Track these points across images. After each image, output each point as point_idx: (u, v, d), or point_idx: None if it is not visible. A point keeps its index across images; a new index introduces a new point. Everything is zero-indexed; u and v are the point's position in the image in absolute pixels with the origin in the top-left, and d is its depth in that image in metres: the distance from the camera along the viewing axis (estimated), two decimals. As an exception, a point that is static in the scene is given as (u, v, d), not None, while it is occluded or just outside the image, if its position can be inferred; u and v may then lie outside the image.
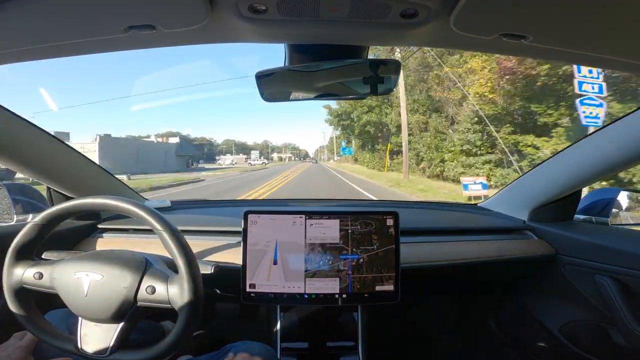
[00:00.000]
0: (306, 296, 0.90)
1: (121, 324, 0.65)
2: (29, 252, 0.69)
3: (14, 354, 0.66)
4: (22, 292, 0.67)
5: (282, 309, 1.04)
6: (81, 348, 0.65)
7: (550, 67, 8.43)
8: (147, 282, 0.65)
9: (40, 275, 0.66)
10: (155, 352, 0.64)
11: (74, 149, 1.03)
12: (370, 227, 0.92)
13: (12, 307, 0.67)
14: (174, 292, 0.64)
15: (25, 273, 0.66)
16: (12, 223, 0.99)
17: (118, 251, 0.70)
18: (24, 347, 0.68)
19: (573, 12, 0.49)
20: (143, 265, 0.66)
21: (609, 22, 0.51)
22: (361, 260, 0.91)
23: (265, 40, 0.65)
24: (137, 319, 0.68)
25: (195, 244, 0.96)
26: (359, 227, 0.92)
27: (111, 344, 0.64)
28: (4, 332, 0.73)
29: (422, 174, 14.30)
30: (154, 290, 0.64)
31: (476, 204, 1.47)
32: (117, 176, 1.28)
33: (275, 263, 0.90)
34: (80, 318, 0.66)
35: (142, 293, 0.64)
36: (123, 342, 0.65)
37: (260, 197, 8.80)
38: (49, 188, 1.05)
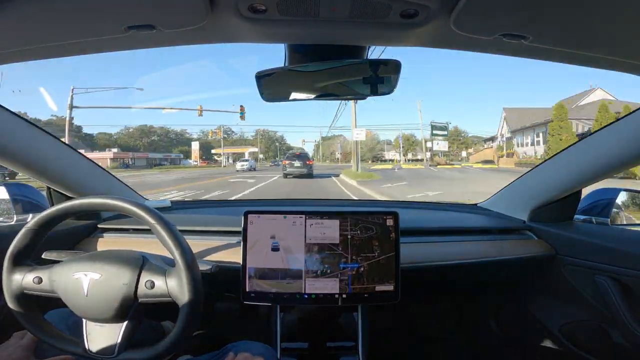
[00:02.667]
0: (306, 296, 0.90)
1: (125, 323, 0.65)
2: (26, 257, 0.68)
3: (14, 354, 0.66)
4: (24, 298, 0.67)
5: (282, 309, 1.04)
6: (89, 350, 0.65)
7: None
8: (145, 277, 0.65)
9: (40, 280, 0.66)
10: (156, 351, 0.64)
11: (73, 149, 1.03)
12: (370, 232, 0.92)
13: (17, 313, 0.66)
14: (173, 285, 0.64)
15: (24, 279, 0.66)
16: (12, 223, 0.99)
17: (114, 250, 0.70)
18: (25, 347, 0.68)
19: (573, 12, 0.49)
20: (140, 261, 0.66)
21: (609, 22, 0.51)
22: (362, 268, 0.91)
23: (265, 40, 0.65)
24: (140, 317, 0.68)
25: (195, 244, 0.96)
26: (359, 231, 0.92)
27: (117, 344, 0.64)
28: (4, 332, 0.73)
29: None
30: (153, 285, 0.64)
31: (476, 204, 1.47)
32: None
33: (275, 263, 0.90)
34: (84, 320, 0.66)
35: (142, 288, 0.64)
36: (129, 342, 0.65)
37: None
38: (49, 188, 1.05)
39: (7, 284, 0.66)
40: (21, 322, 0.67)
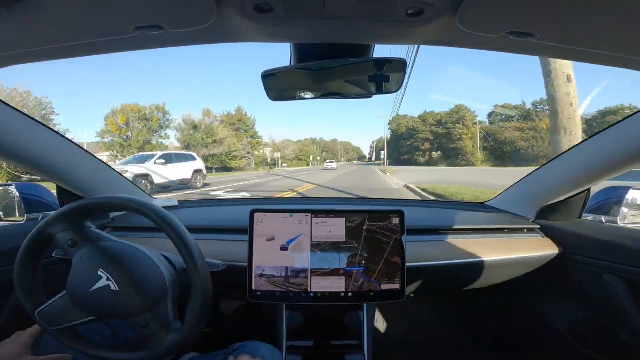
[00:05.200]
0: (312, 295, 0.90)
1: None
2: (84, 219, 0.69)
3: (12, 350, 0.67)
4: (41, 248, 0.67)
5: (287, 308, 1.04)
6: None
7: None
8: (146, 316, 0.66)
9: (74, 243, 0.66)
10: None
11: (82, 148, 1.05)
12: (376, 231, 0.92)
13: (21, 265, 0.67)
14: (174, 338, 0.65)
15: (62, 234, 0.66)
16: (23, 222, 1.01)
17: (148, 271, 0.68)
18: (22, 344, 0.69)
19: (582, 9, 0.49)
20: (156, 301, 0.67)
21: (620, 19, 0.51)
22: (368, 267, 0.91)
23: (271, 39, 0.65)
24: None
25: (202, 242, 0.97)
26: (365, 226, 0.92)
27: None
28: (8, 333, 0.74)
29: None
30: (147, 325, 0.66)
31: (484, 203, 1.46)
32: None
33: (281, 262, 0.91)
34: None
35: (136, 322, 0.66)
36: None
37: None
38: (59, 187, 1.07)
39: (43, 225, 0.66)
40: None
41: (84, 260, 0.65)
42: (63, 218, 0.66)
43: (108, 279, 0.63)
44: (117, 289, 0.63)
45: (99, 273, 0.64)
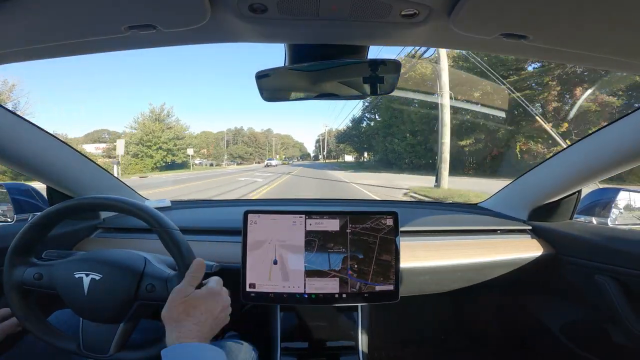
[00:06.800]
0: (306, 296, 0.90)
1: (122, 324, 0.65)
2: (28, 253, 0.68)
3: None
4: (23, 293, 0.67)
5: (282, 309, 1.04)
6: (82, 347, 0.65)
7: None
8: (146, 280, 0.65)
9: (40, 276, 0.66)
10: (155, 351, 0.64)
11: (73, 148, 1.03)
12: (370, 232, 0.92)
13: (13, 307, 0.67)
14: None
15: (25, 274, 0.66)
16: (12, 223, 0.99)
17: (117, 250, 0.70)
18: None
19: (574, 12, 0.49)
20: (142, 264, 0.67)
21: (610, 22, 0.51)
22: (362, 268, 0.91)
23: (265, 40, 0.65)
24: (137, 319, 0.68)
25: (195, 244, 0.96)
26: (358, 228, 0.92)
27: (112, 344, 0.64)
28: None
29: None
30: (153, 288, 0.64)
31: (476, 204, 1.47)
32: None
33: (275, 263, 0.90)
34: (81, 318, 0.66)
35: (142, 291, 0.64)
36: (125, 342, 0.66)
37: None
38: (48, 188, 1.05)
39: (7, 278, 0.66)
40: (17, 316, 0.67)
41: (59, 279, 0.66)
42: (16, 255, 0.67)
43: (87, 275, 0.64)
44: (101, 275, 0.64)
45: (77, 276, 0.64)
